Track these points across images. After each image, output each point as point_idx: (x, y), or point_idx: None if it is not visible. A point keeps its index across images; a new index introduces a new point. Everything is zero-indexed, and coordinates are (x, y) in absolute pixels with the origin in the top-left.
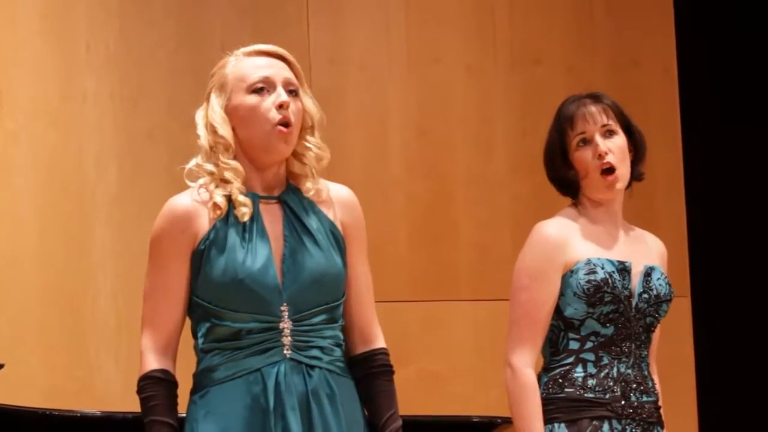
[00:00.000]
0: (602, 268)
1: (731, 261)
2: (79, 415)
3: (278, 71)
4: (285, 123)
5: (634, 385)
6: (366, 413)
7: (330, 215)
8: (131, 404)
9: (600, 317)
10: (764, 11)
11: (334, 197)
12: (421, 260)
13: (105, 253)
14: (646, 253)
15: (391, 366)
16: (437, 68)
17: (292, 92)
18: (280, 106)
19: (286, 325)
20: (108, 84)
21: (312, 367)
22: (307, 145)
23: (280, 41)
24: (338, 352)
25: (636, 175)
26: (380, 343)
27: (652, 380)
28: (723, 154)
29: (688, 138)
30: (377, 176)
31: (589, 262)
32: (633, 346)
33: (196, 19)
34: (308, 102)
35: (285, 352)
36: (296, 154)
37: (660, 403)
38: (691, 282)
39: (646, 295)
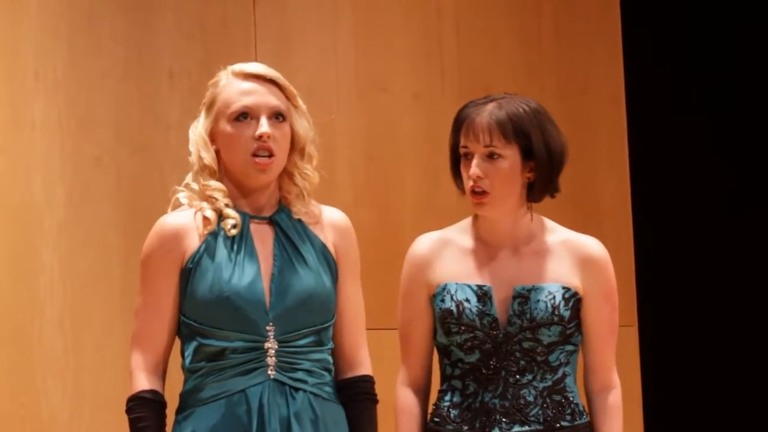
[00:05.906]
0: (452, 297)
1: (679, 290)
2: None
3: (263, 98)
4: (265, 154)
5: (498, 416)
6: None
7: (322, 238)
8: (77, 430)
9: (459, 345)
10: (714, 40)
11: (327, 220)
12: (370, 289)
13: (53, 279)
14: (537, 272)
15: (374, 395)
16: (385, 96)
17: (279, 117)
18: (260, 137)
19: (271, 345)
20: (56, 111)
21: (296, 389)
22: (297, 167)
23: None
24: (327, 377)
25: (536, 197)
26: (366, 370)
27: (549, 406)
28: (671, 181)
29: (636, 166)
30: (325, 203)
31: (445, 287)
32: (504, 373)
33: (145, 45)
34: (299, 124)
35: (269, 372)
36: (286, 176)
37: (576, 425)
38: (638, 311)
39: (517, 320)
